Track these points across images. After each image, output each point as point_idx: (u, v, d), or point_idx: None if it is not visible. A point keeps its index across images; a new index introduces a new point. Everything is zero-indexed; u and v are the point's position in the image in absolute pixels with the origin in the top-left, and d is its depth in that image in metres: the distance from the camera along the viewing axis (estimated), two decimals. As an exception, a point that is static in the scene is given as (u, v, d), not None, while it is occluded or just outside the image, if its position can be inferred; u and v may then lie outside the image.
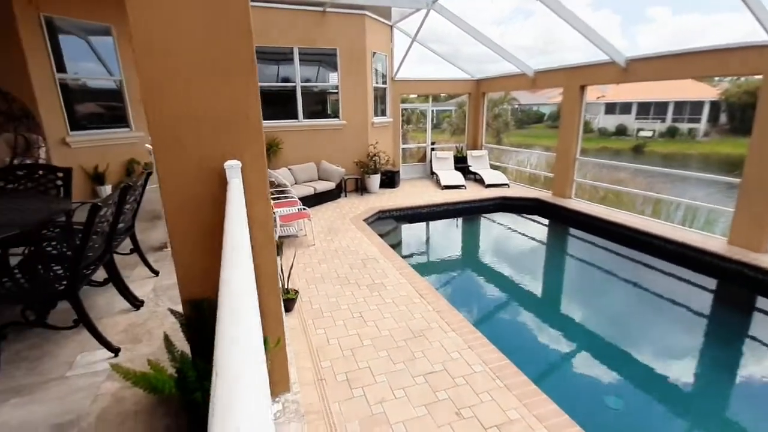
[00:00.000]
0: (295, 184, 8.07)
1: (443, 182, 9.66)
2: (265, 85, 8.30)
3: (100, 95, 6.87)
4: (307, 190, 7.85)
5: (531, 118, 32.87)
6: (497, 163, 11.05)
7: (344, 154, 9.04)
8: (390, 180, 9.66)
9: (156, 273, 3.45)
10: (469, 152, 10.83)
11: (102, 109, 6.89)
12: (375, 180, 9.27)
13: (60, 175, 3.29)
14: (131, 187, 2.74)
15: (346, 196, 9.03)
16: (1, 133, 5.15)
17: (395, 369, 3.07)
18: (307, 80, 8.75)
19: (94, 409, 1.94)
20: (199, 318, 1.73)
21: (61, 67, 5.92)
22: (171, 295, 3.09)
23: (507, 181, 9.75)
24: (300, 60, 8.32)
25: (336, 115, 9.06)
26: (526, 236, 8.13)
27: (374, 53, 9.22)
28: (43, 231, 2.77)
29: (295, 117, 8.59)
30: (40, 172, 3.27)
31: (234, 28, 1.55)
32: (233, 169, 1.59)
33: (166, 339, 1.59)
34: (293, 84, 8.43)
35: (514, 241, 7.86)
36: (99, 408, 1.94)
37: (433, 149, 11.16)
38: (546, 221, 8.49)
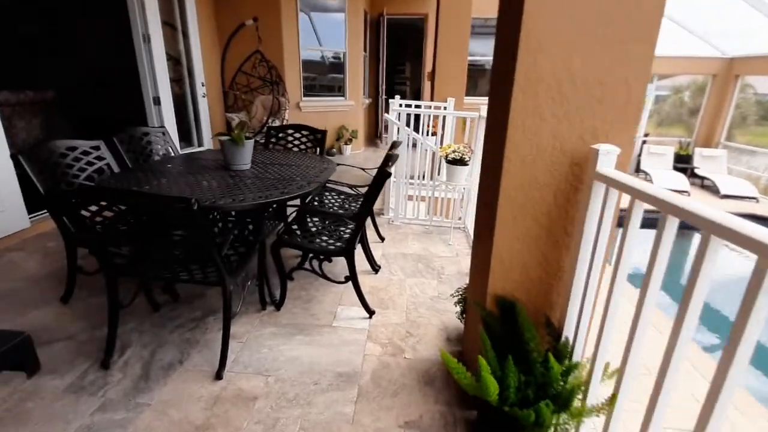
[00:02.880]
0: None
1: (657, 184, 7.93)
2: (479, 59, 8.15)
3: (324, 66, 7.66)
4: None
5: (768, 112, 24.55)
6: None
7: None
8: (585, 173, 8.43)
9: (382, 239, 3.59)
10: (697, 150, 8.62)
11: (324, 78, 7.70)
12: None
13: (319, 136, 3.63)
14: (392, 157, 2.78)
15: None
16: (258, 96, 6.20)
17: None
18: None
19: (366, 369, 2.01)
20: (504, 318, 1.54)
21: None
22: (401, 264, 3.14)
23: (756, 195, 7.42)
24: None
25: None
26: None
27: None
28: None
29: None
30: (304, 132, 3.67)
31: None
32: (608, 155, 1.27)
33: (484, 341, 1.41)
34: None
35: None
36: (370, 369, 2.01)
37: (644, 142, 9.27)
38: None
